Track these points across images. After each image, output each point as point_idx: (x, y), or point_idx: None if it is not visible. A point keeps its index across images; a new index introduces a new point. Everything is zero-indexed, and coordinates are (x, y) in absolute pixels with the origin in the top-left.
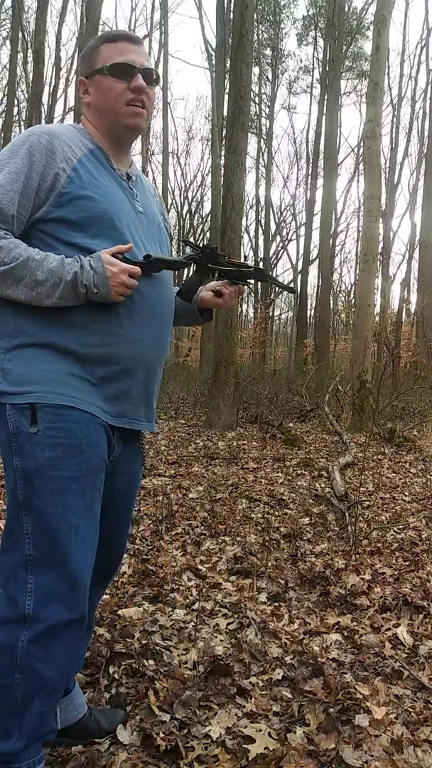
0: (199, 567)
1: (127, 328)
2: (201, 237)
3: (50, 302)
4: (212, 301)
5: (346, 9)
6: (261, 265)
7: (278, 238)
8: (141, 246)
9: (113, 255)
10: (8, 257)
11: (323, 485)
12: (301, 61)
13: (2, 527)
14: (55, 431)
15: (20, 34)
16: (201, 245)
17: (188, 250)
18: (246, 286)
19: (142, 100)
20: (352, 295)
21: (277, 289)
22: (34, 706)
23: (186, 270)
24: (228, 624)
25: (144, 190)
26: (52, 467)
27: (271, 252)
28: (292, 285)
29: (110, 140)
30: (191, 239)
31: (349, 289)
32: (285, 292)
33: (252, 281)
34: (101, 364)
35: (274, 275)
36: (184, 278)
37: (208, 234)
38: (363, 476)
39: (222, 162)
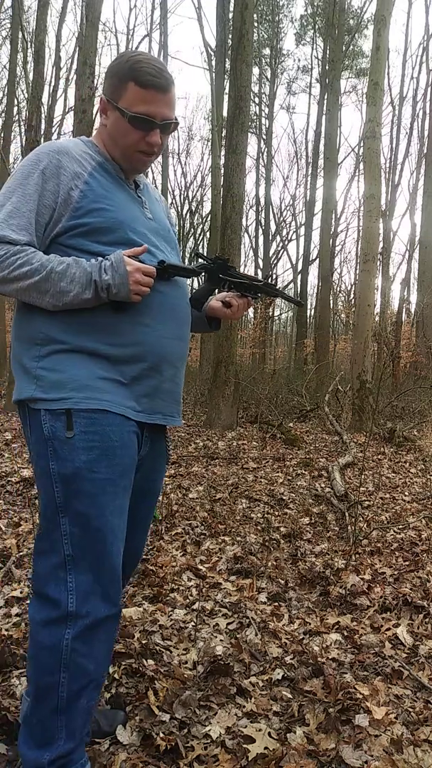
0: (199, 567)
1: (151, 326)
2: (201, 237)
3: (76, 306)
4: (221, 311)
5: (346, 8)
6: (270, 280)
7: (278, 238)
8: (156, 251)
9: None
10: (31, 271)
11: (323, 485)
12: (299, 60)
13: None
14: (90, 435)
15: (20, 34)
16: (214, 257)
17: (199, 260)
18: (254, 300)
19: (154, 151)
20: (352, 295)
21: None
22: (81, 702)
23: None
24: (228, 624)
25: (151, 198)
26: (88, 470)
27: (271, 252)
28: (299, 298)
29: (120, 163)
30: (191, 239)
31: (349, 289)
32: (285, 291)
33: (261, 294)
34: (131, 363)
35: (279, 286)
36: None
37: (208, 234)
38: (363, 476)
39: (222, 162)
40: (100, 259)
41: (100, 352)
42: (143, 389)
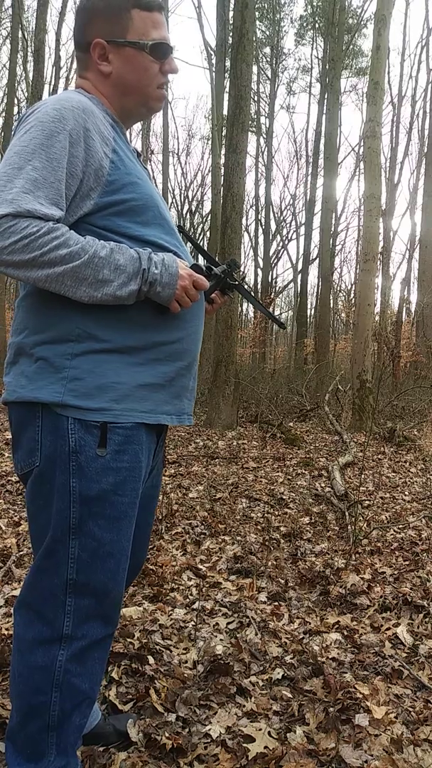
0: (199, 566)
1: (187, 320)
2: (201, 237)
3: (111, 301)
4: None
5: (346, 7)
6: (271, 279)
7: (278, 237)
8: (175, 229)
9: None
10: (70, 255)
11: (323, 485)
12: (299, 60)
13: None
14: (121, 455)
15: (20, 34)
16: (227, 261)
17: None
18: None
19: (168, 82)
20: (352, 295)
21: (277, 288)
22: (73, 720)
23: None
24: (228, 623)
25: None
26: (114, 493)
27: (271, 251)
28: (298, 299)
29: (121, 116)
30: (191, 235)
31: (349, 288)
32: (285, 291)
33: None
34: (170, 361)
35: (272, 276)
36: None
37: (208, 234)
38: (363, 476)
39: (222, 161)
40: (147, 249)
41: (143, 352)
42: (176, 390)
